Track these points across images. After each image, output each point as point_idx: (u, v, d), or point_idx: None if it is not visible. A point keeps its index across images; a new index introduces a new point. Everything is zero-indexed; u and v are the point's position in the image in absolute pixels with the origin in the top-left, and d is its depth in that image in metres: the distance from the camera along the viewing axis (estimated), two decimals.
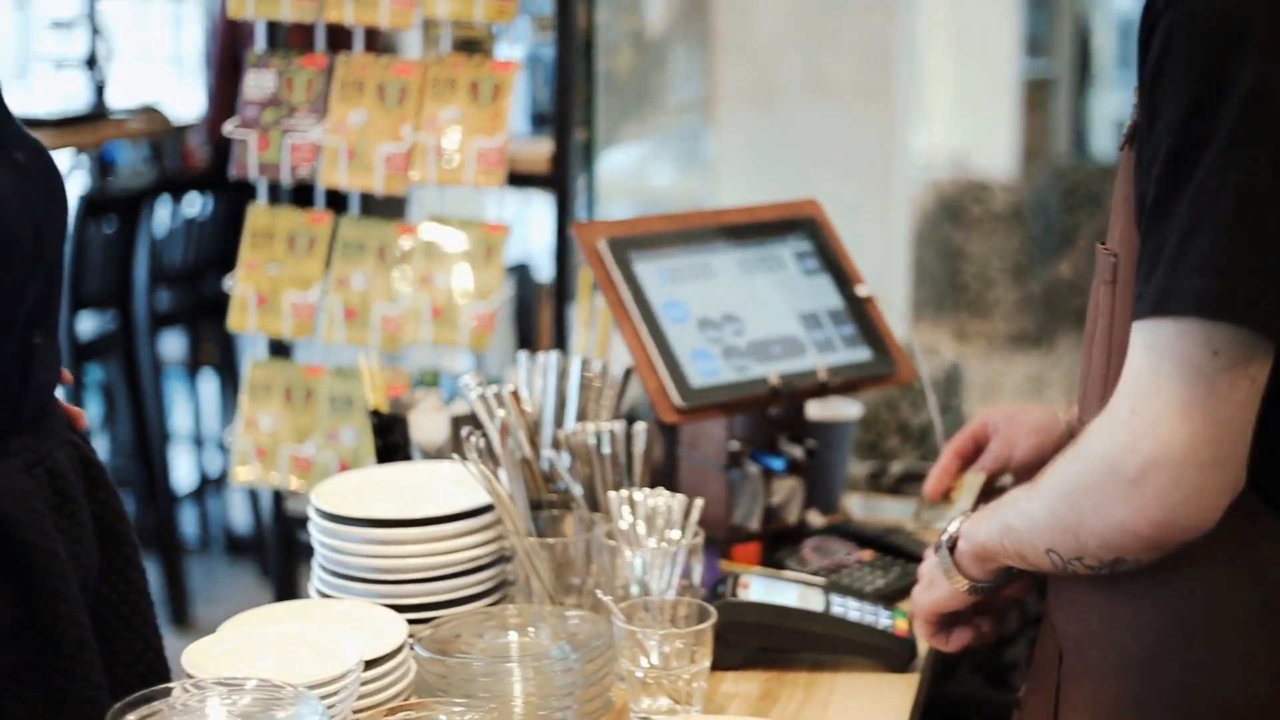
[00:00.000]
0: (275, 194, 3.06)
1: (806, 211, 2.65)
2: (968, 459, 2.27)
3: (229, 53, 5.90)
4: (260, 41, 3.00)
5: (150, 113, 6.36)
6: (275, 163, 2.97)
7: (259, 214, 3.00)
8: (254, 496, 5.51)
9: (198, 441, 6.16)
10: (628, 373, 2.29)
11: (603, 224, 2.47)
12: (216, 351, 5.96)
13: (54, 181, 1.87)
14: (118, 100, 6.76)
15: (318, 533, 2.01)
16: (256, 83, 2.97)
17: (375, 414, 2.38)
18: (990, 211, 5.52)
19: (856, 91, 3.63)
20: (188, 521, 5.89)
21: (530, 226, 4.56)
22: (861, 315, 2.53)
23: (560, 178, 2.93)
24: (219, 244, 5.93)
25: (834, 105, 3.60)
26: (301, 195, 3.10)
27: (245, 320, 3.01)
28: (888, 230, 4.02)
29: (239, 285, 2.98)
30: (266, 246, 2.99)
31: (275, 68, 2.98)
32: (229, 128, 2.97)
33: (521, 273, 3.88)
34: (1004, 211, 5.56)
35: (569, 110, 2.90)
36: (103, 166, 6.42)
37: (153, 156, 6.49)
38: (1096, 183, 5.60)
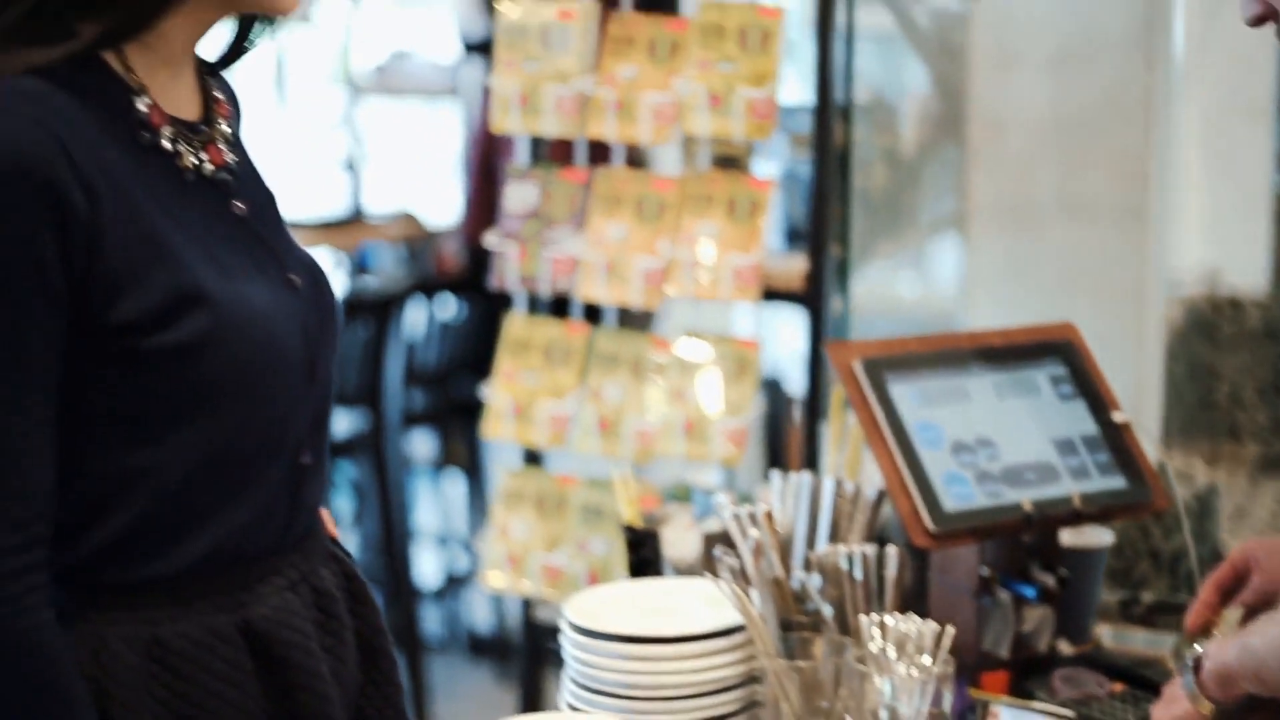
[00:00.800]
0: (533, 304, 3.12)
1: (1062, 335, 2.63)
2: (1228, 592, 2.22)
3: (486, 160, 6.03)
4: (522, 155, 3.07)
5: (407, 218, 6.53)
6: (534, 275, 3.03)
7: (516, 324, 3.06)
8: (497, 598, 5.57)
9: (443, 540, 6.25)
10: (880, 495, 2.29)
11: (858, 344, 2.47)
12: (464, 452, 6.06)
13: (328, 303, 1.90)
14: (374, 202, 6.94)
15: (570, 646, 2.04)
16: (517, 195, 3.04)
17: (629, 529, 2.40)
18: (1243, 330, 5.42)
19: (1110, 209, 3.60)
20: (430, 619, 5.97)
21: (780, 339, 4.59)
22: (1116, 441, 2.50)
23: (814, 294, 2.95)
24: (470, 346, 6.05)
25: (1088, 223, 3.57)
26: (558, 305, 3.15)
27: (500, 428, 3.07)
28: (1141, 351, 3.97)
29: (495, 394, 3.04)
30: (523, 356, 3.04)
31: (536, 181, 3.04)
32: (490, 240, 3.04)
33: (772, 387, 3.89)
34: (1257, 329, 5.45)
35: (824, 227, 2.91)
36: (358, 267, 6.58)
37: (408, 258, 6.64)
38: None
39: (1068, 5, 3.43)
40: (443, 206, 6.98)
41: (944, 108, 3.58)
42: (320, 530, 1.90)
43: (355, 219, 6.62)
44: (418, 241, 6.59)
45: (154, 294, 1.66)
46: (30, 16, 1.69)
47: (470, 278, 6.13)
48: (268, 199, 1.93)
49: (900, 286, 3.80)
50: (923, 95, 3.65)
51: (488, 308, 5.97)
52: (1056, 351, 2.59)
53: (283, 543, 1.81)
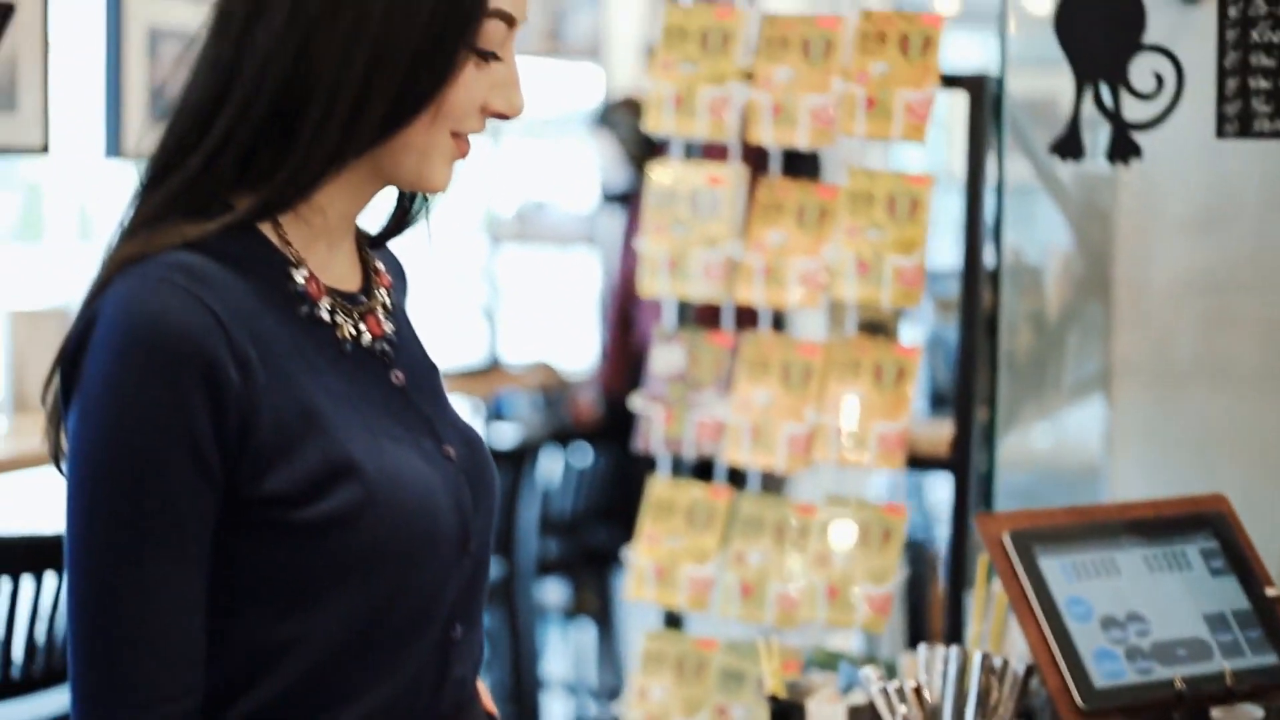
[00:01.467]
0: (676, 466, 3.13)
1: (1213, 507, 2.60)
2: None
3: (624, 311, 6.08)
4: (669, 318, 3.09)
5: (543, 367, 6.58)
6: (679, 438, 3.04)
7: (660, 487, 3.07)
8: None
9: (572, 689, 6.24)
10: (1029, 670, 2.26)
11: (1006, 516, 2.46)
12: (595, 601, 6.06)
13: (485, 476, 1.89)
14: (511, 349, 7.00)
15: None
16: (664, 358, 3.05)
17: (774, 699, 2.39)
18: None
19: (1257, 373, 3.56)
20: None
21: (924, 498, 4.58)
22: (1270, 617, 2.46)
23: (960, 460, 2.93)
24: (604, 495, 6.07)
25: (1234, 387, 3.54)
26: (700, 467, 3.15)
27: (642, 590, 3.07)
28: None
29: (637, 556, 3.04)
30: (666, 519, 3.04)
31: (683, 344, 3.06)
32: (636, 402, 3.05)
33: (914, 549, 3.87)
34: None
35: (971, 393, 2.91)
36: (495, 415, 6.63)
37: (544, 406, 6.68)
38: None
39: (1212, 166, 3.41)
40: (578, 354, 7.03)
41: (1088, 268, 3.57)
42: (473, 705, 1.89)
43: (493, 367, 6.68)
44: (554, 390, 6.63)
45: (306, 466, 1.67)
46: (187, 190, 1.72)
47: (605, 427, 6.17)
48: (428, 369, 1.94)
49: (1043, 449, 3.77)
50: (1066, 255, 3.64)
51: (623, 457, 5.99)
52: (1208, 524, 2.56)
53: (430, 718, 1.80)
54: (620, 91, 6.94)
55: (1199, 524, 2.56)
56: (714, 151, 3.13)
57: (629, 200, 6.23)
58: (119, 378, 1.60)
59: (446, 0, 1.72)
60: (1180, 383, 3.55)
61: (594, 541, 5.90)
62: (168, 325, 1.60)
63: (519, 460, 5.46)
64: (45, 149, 4.58)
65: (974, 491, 3.00)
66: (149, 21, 5.07)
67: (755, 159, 3.06)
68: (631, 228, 6.08)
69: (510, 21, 1.78)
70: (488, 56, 1.77)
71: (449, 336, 7.27)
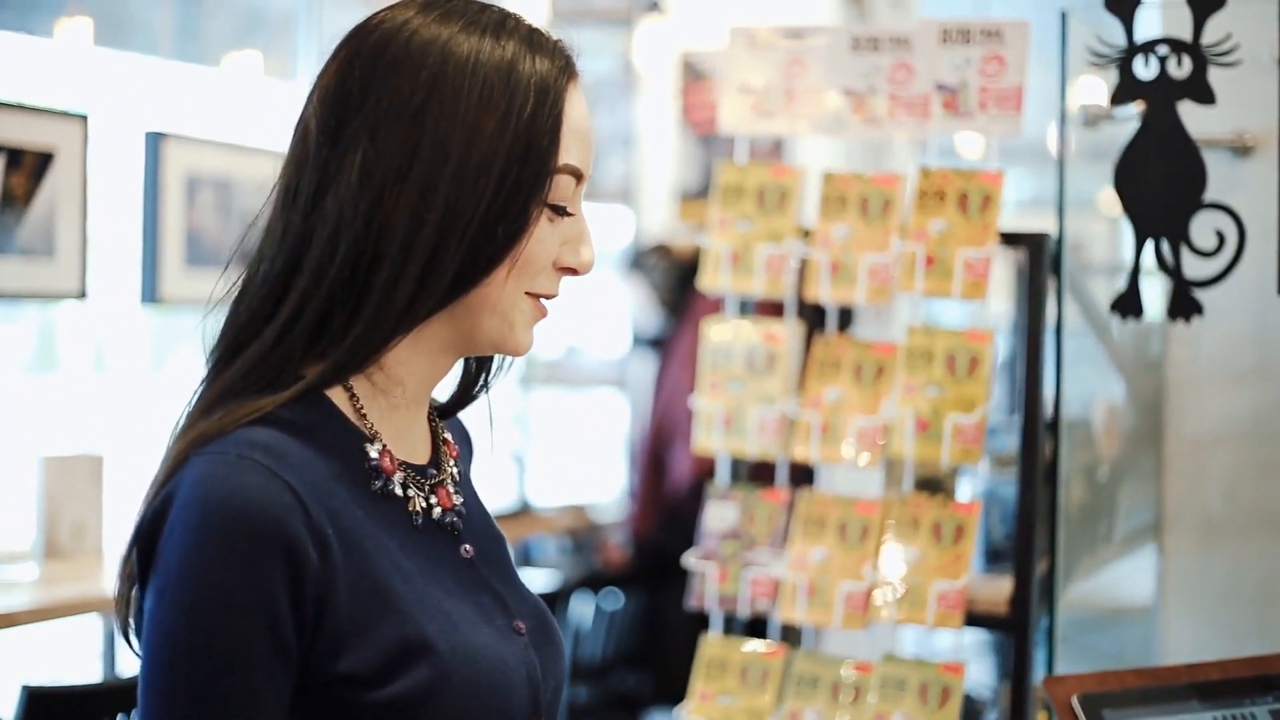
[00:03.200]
0: (728, 624, 3.09)
1: None
2: None
3: (654, 453, 6.06)
4: (723, 474, 3.07)
5: (574, 510, 6.56)
6: (734, 595, 3.00)
7: (713, 645, 3.03)
8: None
9: None
10: None
11: (1075, 679, 2.43)
12: None
13: (555, 647, 1.87)
14: (540, 493, 6.98)
15: None
16: (718, 514, 3.03)
17: None
18: None
19: None
20: None
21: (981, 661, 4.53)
22: None
23: (1020, 619, 2.90)
24: (633, 641, 6.03)
25: None
26: (754, 624, 3.12)
27: None
28: None
29: (690, 716, 3.00)
30: (719, 678, 3.00)
31: (737, 501, 3.04)
32: (691, 560, 3.02)
33: (968, 703, 3.82)
34: None
35: (1031, 549, 2.87)
36: (524, 559, 6.61)
37: (573, 550, 6.66)
38: None
39: (1262, 316, 3.41)
40: (607, 498, 7.01)
41: (1139, 420, 3.55)
42: None
43: (523, 510, 6.66)
44: (583, 534, 6.61)
45: (379, 646, 1.64)
46: (260, 362, 1.71)
47: (635, 571, 6.14)
48: (496, 540, 1.93)
49: (1098, 600, 3.74)
50: (1116, 407, 3.63)
51: (652, 602, 5.96)
52: (1276, 685, 2.53)
53: None
54: (651, 236, 6.98)
55: (1267, 685, 2.53)
56: (766, 308, 3.12)
57: (660, 344, 6.24)
58: (199, 558, 1.58)
59: (518, 159, 1.71)
60: (1233, 534, 3.52)
61: (623, 687, 5.86)
62: (248, 504, 1.58)
63: (550, 605, 5.41)
64: (83, 295, 4.60)
65: (1033, 651, 2.96)
66: (186, 169, 5.11)
67: (811, 316, 3.05)
68: (664, 371, 6.08)
69: (579, 176, 1.78)
70: (560, 211, 1.76)
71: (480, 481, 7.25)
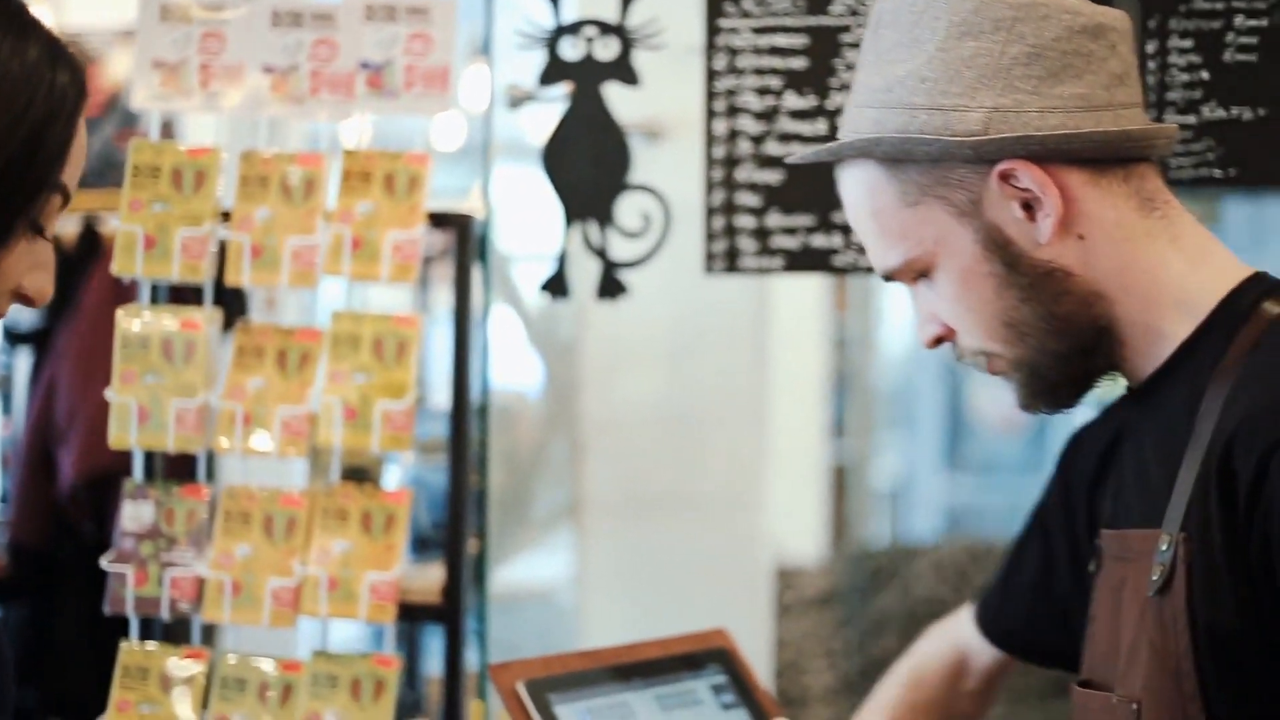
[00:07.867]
0: (147, 629, 2.94)
1: (716, 643, 2.64)
2: None
3: (40, 455, 5.74)
4: (137, 471, 2.90)
5: None
6: (154, 597, 2.85)
7: (132, 652, 2.87)
8: None
9: None
10: None
11: (518, 665, 2.43)
12: None
13: None
14: None
15: None
16: (133, 513, 2.86)
17: None
18: None
19: (718, 501, 3.64)
20: None
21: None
22: None
23: (453, 610, 2.86)
24: (16, 653, 5.70)
25: (699, 514, 3.60)
26: (175, 629, 2.98)
27: None
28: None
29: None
30: (140, 686, 2.84)
31: (153, 498, 2.88)
32: (105, 561, 2.85)
33: (404, 695, 3.77)
34: None
35: (462, 537, 2.84)
36: None
37: None
38: None
39: (678, 302, 3.49)
40: None
41: (556, 404, 3.58)
42: None
43: None
44: None
45: None
46: None
47: (16, 582, 5.80)
48: None
49: (526, 580, 3.78)
50: (535, 391, 3.66)
51: (36, 616, 5.67)
52: (714, 660, 2.60)
53: None
54: None
55: (705, 660, 2.59)
56: (183, 295, 2.98)
57: (36, 338, 5.92)
58: None
59: (19, 162, 1.57)
60: (646, 513, 3.59)
61: (20, 706, 5.53)
62: None
63: None
64: None
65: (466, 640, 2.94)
66: None
67: (229, 301, 2.92)
68: (45, 366, 5.77)
69: (67, 200, 1.66)
70: (39, 232, 1.64)
71: None
